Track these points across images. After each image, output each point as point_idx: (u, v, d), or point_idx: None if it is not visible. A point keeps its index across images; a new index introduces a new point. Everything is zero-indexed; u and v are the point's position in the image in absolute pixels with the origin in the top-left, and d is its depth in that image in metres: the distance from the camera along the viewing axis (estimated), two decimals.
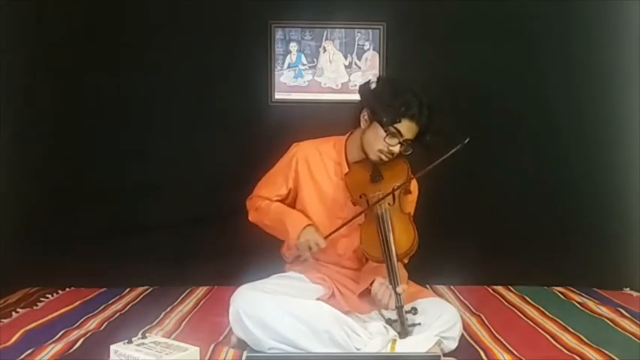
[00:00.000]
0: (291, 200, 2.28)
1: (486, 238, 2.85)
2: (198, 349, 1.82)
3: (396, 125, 2.06)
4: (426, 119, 2.07)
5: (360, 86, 2.22)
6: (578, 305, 2.58)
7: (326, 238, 2.11)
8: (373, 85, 2.18)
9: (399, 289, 1.92)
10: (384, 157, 2.10)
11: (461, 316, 2.06)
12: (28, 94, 2.75)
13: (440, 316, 1.96)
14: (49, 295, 2.63)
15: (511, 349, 2.05)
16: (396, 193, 2.08)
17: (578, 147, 2.92)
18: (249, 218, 2.31)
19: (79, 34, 2.82)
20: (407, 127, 2.07)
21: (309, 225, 2.13)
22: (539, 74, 2.91)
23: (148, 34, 2.84)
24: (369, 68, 2.91)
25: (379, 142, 2.08)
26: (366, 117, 2.15)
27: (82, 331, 2.16)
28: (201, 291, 2.74)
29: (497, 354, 2.00)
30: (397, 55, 2.90)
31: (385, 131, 2.07)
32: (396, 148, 2.08)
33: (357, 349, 1.85)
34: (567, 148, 2.93)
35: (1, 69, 2.59)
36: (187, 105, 2.90)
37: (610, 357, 1.96)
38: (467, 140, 1.93)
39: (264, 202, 2.26)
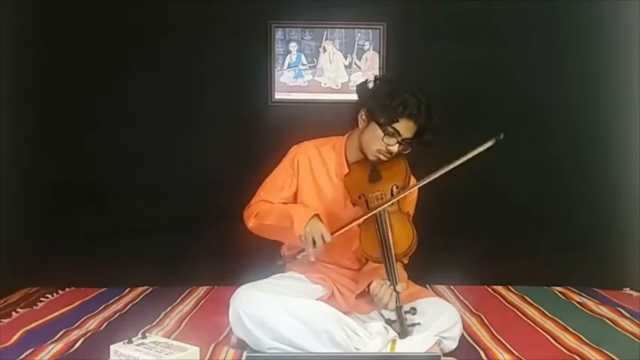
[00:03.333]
0: (294, 202, 2.25)
1: (486, 238, 2.85)
2: (198, 349, 1.82)
3: (394, 125, 2.04)
4: (425, 118, 2.05)
5: (358, 86, 2.20)
6: (578, 305, 2.58)
7: (332, 234, 2.02)
8: (371, 85, 2.16)
9: (397, 288, 1.92)
10: (382, 157, 2.09)
11: (461, 316, 2.06)
12: (27, 95, 2.75)
13: (440, 316, 1.96)
14: (49, 295, 2.63)
15: (511, 349, 2.05)
16: (395, 192, 2.08)
17: (578, 147, 2.92)
18: (249, 227, 2.20)
19: (80, 35, 2.82)
20: (405, 127, 2.05)
21: (316, 215, 2.05)
22: (540, 74, 2.91)
23: (148, 34, 2.84)
24: (369, 68, 2.91)
25: (377, 142, 2.07)
26: (363, 117, 2.13)
27: (82, 331, 2.16)
28: (201, 291, 2.74)
29: (497, 354, 2.00)
30: (397, 55, 2.90)
31: (383, 131, 2.05)
32: (395, 148, 2.06)
33: (357, 349, 1.85)
34: (567, 148, 2.93)
35: (1, 69, 2.59)
36: (187, 105, 2.90)
37: (610, 357, 1.96)
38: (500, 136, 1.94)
39: (266, 206, 2.18)
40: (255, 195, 2.25)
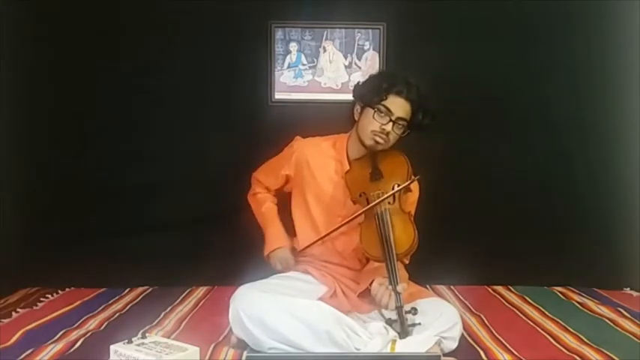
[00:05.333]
0: (288, 189, 2.33)
1: (486, 238, 2.85)
2: (198, 349, 1.82)
3: (383, 103, 2.08)
4: (416, 96, 2.09)
5: (354, 86, 2.26)
6: (578, 305, 2.58)
7: (303, 249, 2.21)
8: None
9: (398, 289, 1.92)
10: (379, 138, 2.10)
11: (461, 316, 2.06)
12: (28, 94, 2.75)
13: (440, 317, 1.96)
14: (49, 295, 2.63)
15: (511, 349, 2.05)
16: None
17: (578, 147, 2.92)
18: (248, 196, 2.42)
19: (80, 34, 2.81)
20: (396, 104, 2.09)
21: (280, 247, 2.25)
22: (539, 74, 2.91)
23: (147, 33, 2.83)
24: (369, 68, 2.91)
25: (370, 123, 2.10)
26: (358, 109, 2.18)
27: (82, 331, 2.16)
28: (201, 291, 2.74)
29: (497, 354, 2.00)
30: (397, 55, 2.89)
31: (373, 109, 2.09)
32: (388, 127, 2.09)
33: (357, 350, 1.85)
34: (567, 147, 2.93)
35: (1, 68, 2.59)
36: (187, 105, 2.89)
37: (610, 357, 1.96)
38: (417, 177, 2.03)
39: (261, 195, 2.38)
40: (259, 169, 2.42)
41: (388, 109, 2.08)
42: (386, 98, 2.09)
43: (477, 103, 2.86)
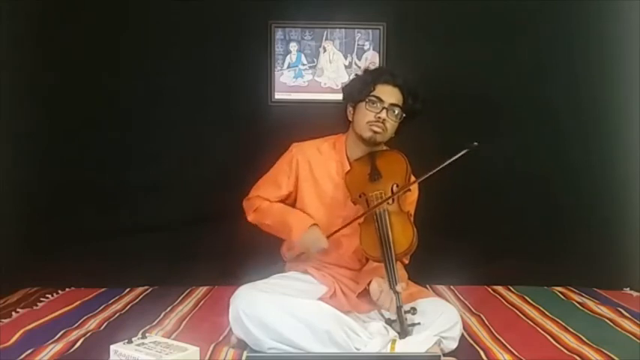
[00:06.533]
0: (291, 201, 2.28)
1: (486, 238, 2.85)
2: (198, 349, 1.82)
3: (373, 93, 2.12)
4: (403, 82, 2.14)
5: (342, 88, 2.30)
6: (578, 305, 2.58)
7: (328, 237, 2.12)
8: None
9: (397, 288, 1.92)
10: (376, 128, 2.12)
11: (461, 316, 2.06)
12: (28, 94, 2.75)
13: (440, 316, 1.96)
14: (49, 295, 2.63)
15: (511, 349, 2.05)
16: (395, 191, 2.08)
17: (579, 146, 2.92)
18: (249, 219, 2.29)
19: (80, 35, 2.81)
20: (386, 92, 2.13)
21: (314, 225, 2.14)
22: (539, 73, 2.91)
23: (148, 33, 2.84)
24: None
25: (365, 115, 2.13)
26: (350, 110, 2.21)
27: (82, 331, 2.16)
28: (201, 291, 2.74)
29: (497, 354, 2.00)
30: (397, 55, 2.89)
31: (365, 102, 2.12)
32: (383, 114, 2.11)
33: (357, 349, 1.85)
34: (567, 147, 2.93)
35: (1, 68, 2.59)
36: (187, 105, 2.89)
37: (610, 357, 1.96)
38: (475, 144, 1.98)
39: (265, 203, 2.25)
40: (254, 187, 2.32)
41: (379, 98, 2.12)
42: (374, 89, 2.13)
43: (476, 103, 2.86)
